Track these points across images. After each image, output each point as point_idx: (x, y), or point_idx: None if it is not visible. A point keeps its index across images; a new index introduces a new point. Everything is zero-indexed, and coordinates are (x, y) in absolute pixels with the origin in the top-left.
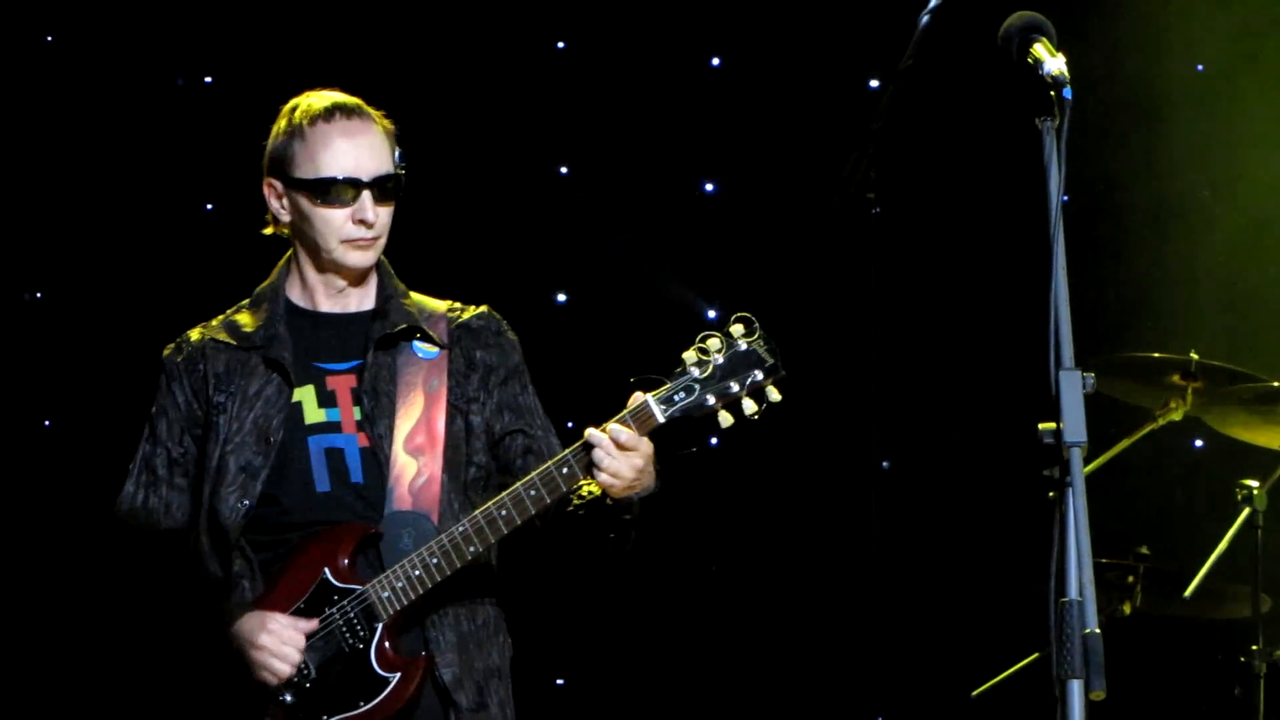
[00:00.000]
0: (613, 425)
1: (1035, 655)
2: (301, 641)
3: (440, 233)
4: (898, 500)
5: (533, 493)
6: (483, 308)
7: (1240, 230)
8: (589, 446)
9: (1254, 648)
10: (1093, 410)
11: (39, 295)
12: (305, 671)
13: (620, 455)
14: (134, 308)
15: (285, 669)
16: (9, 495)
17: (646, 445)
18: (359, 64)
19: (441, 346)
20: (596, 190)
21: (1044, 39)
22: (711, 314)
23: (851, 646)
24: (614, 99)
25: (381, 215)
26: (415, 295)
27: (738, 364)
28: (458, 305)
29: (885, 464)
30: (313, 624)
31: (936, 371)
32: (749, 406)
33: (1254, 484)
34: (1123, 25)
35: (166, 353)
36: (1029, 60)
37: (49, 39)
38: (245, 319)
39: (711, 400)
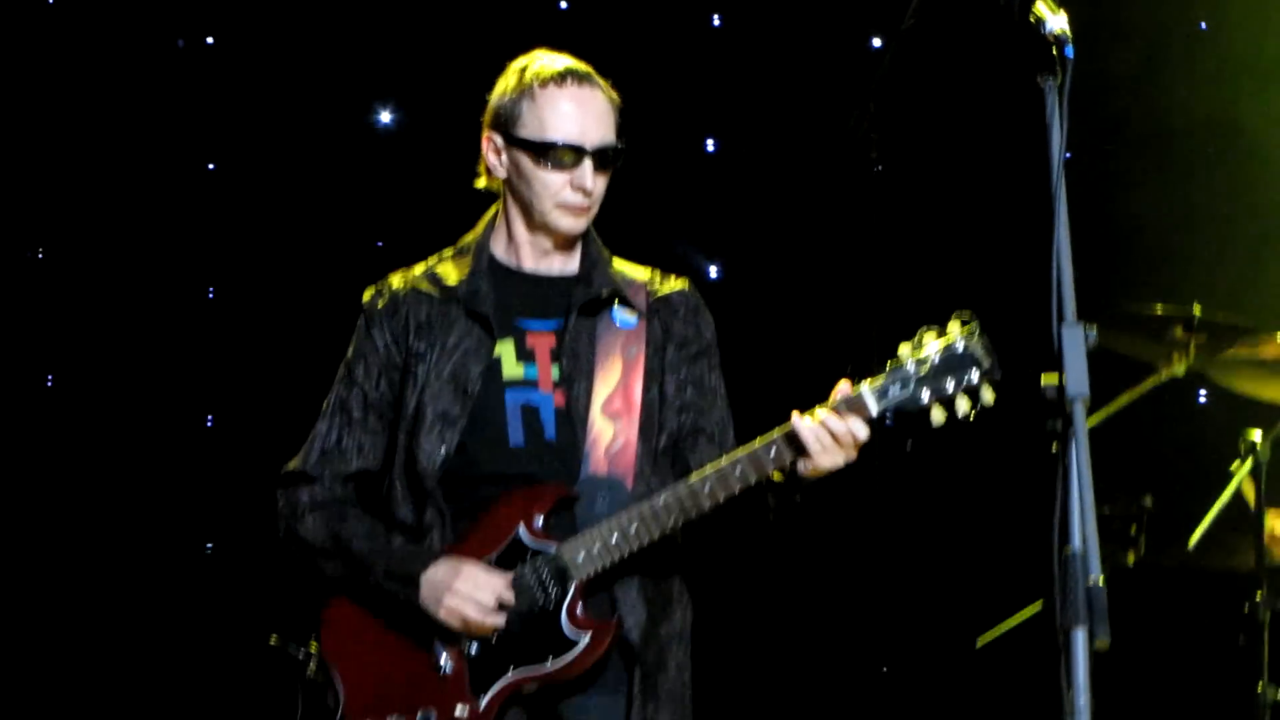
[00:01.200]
0: (856, 420)
1: (1039, 604)
2: (497, 589)
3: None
4: (901, 451)
5: (738, 471)
6: (684, 282)
7: (1244, 182)
8: (810, 429)
9: (1258, 598)
10: (1095, 364)
11: (40, 254)
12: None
13: (853, 450)
14: (134, 268)
15: (477, 616)
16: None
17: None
18: (372, 26)
19: (641, 315)
20: None
21: None
22: (714, 272)
23: (856, 597)
24: (616, 57)
25: (599, 185)
26: (618, 261)
27: (954, 362)
28: (659, 274)
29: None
30: (507, 576)
31: (940, 325)
32: (962, 406)
33: (1257, 435)
34: None
35: (367, 297)
36: (1031, 18)
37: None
38: (448, 270)
39: (926, 397)
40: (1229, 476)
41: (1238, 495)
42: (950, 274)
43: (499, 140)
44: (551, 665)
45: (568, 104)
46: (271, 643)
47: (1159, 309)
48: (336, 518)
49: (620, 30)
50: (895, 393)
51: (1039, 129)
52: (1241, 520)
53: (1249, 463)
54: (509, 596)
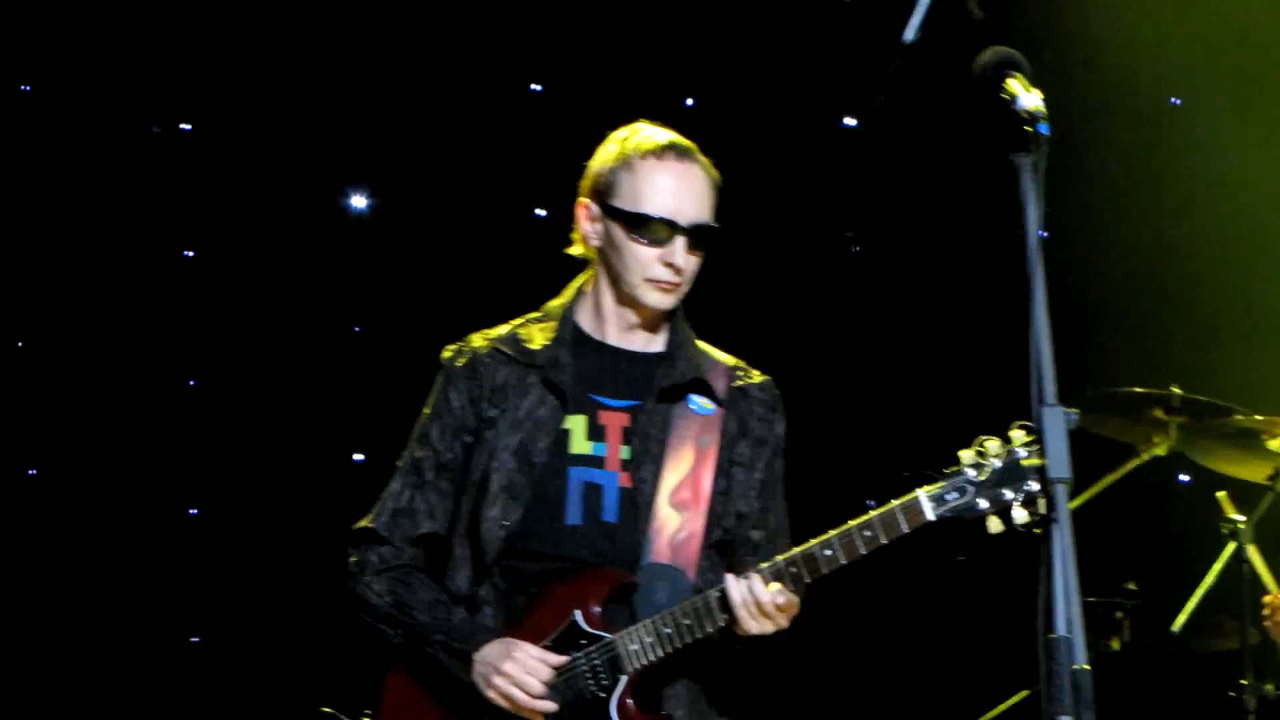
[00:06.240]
0: (778, 587)
1: (1025, 693)
2: (546, 674)
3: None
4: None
5: (793, 569)
6: (766, 377)
7: (1221, 263)
8: (739, 592)
9: (1243, 681)
10: (1076, 446)
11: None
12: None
13: (775, 616)
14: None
15: (524, 699)
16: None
17: (796, 606)
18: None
19: (718, 403)
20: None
21: (1019, 74)
22: None
23: (842, 685)
24: (588, 140)
25: (691, 263)
26: (701, 344)
27: (1015, 471)
28: (743, 365)
29: (870, 503)
30: (559, 660)
31: (919, 407)
32: (1020, 516)
33: (1239, 518)
34: (1096, 60)
35: (446, 355)
36: (1004, 95)
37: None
38: (532, 334)
39: (984, 505)
40: (1212, 559)
41: (1222, 578)
42: (929, 352)
43: (595, 208)
44: None
45: (666, 178)
46: (325, 711)
47: (1139, 390)
48: (402, 584)
49: (592, 113)
50: (953, 499)
51: (1015, 206)
52: (1226, 603)
53: (1231, 546)
54: (557, 681)
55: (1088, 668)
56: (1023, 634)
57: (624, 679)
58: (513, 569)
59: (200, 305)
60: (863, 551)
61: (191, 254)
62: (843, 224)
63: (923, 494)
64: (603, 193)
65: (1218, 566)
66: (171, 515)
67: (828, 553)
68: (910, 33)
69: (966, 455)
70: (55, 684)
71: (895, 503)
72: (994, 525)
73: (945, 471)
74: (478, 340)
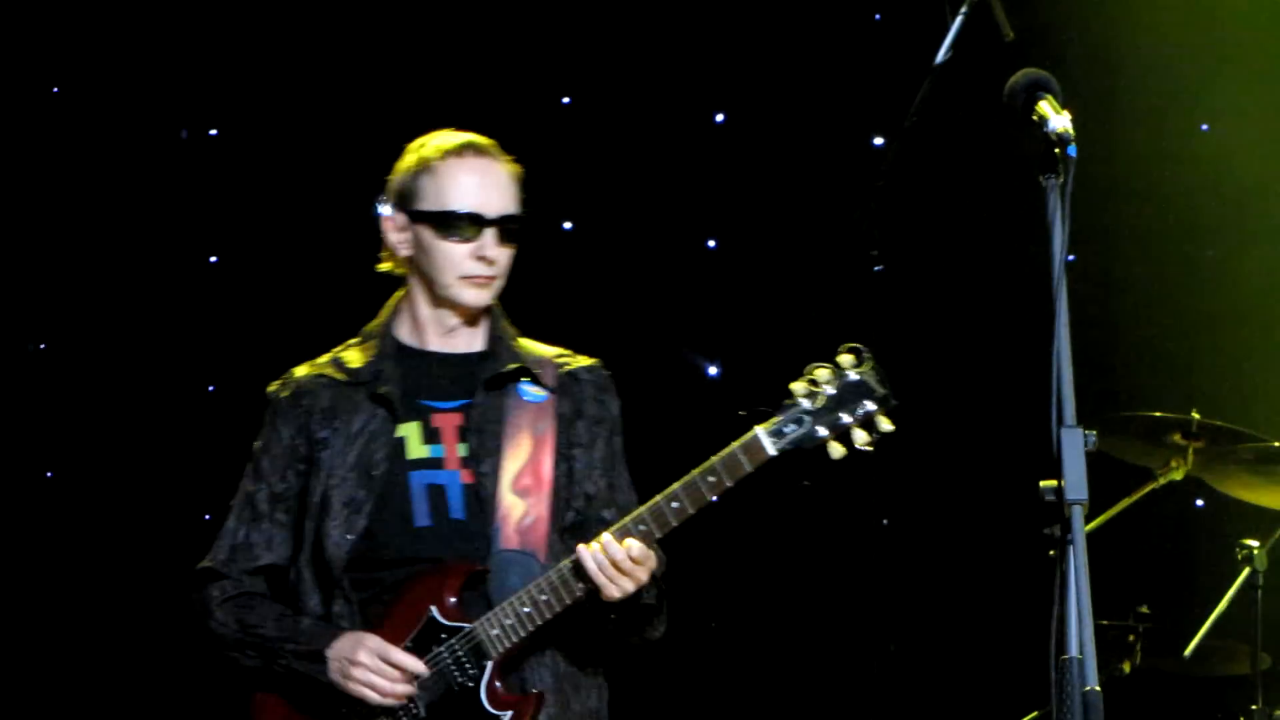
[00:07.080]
0: (633, 542)
1: (1035, 714)
2: (401, 657)
3: None
4: (897, 557)
5: (642, 527)
6: (594, 360)
7: (1244, 290)
8: (593, 558)
9: (1253, 707)
10: (1094, 469)
11: (42, 346)
12: (415, 711)
13: (633, 572)
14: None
15: (386, 684)
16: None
17: (652, 559)
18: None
19: (549, 391)
20: (600, 244)
21: (1049, 96)
22: (713, 371)
23: (852, 705)
24: (618, 153)
25: (502, 256)
26: (524, 340)
27: (848, 394)
28: (567, 353)
29: (885, 520)
30: (420, 663)
31: (938, 428)
32: (860, 437)
33: (1254, 544)
34: (1126, 85)
35: (271, 389)
36: (1034, 117)
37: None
38: (352, 356)
39: (823, 432)
40: (1226, 584)
41: (1235, 603)
42: (950, 372)
43: (400, 218)
44: None
45: (468, 175)
46: None
47: (1158, 414)
48: (244, 608)
49: (622, 125)
50: (791, 431)
51: (1042, 228)
52: (1238, 628)
53: (1245, 571)
54: (412, 663)
55: (1099, 689)
56: (1035, 655)
57: (490, 664)
58: (367, 580)
59: (223, 310)
60: (710, 498)
61: (216, 259)
62: (868, 243)
63: (761, 430)
64: (406, 199)
65: (1231, 592)
66: (189, 521)
67: (674, 505)
68: (942, 53)
69: (798, 386)
70: (77, 686)
71: (735, 444)
72: (836, 451)
73: (783, 404)
74: (300, 371)
